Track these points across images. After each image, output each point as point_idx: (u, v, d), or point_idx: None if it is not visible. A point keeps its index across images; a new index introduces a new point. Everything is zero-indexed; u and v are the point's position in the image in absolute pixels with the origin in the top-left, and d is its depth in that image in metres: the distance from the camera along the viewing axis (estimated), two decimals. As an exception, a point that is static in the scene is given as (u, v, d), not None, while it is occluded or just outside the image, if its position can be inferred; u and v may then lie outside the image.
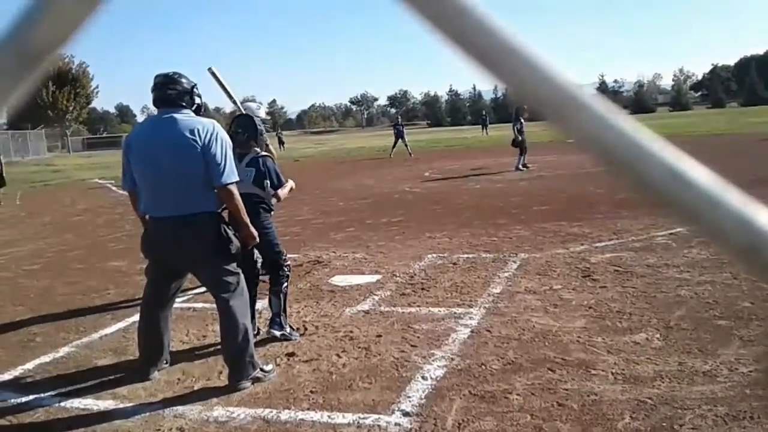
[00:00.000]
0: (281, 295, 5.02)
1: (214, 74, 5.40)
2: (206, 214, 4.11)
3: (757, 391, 3.56)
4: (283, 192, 5.17)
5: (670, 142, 0.38)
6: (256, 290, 5.03)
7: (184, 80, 4.25)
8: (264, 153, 5.21)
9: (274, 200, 5.13)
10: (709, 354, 4.13)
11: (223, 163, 4.05)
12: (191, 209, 4.06)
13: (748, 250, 0.36)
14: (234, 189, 4.15)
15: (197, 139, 4.00)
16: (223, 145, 4.09)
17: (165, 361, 4.43)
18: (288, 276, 5.13)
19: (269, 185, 5.05)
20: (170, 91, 4.16)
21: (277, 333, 4.92)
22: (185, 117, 4.12)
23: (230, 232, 4.18)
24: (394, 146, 29.40)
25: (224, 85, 5.49)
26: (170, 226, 4.10)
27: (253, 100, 6.73)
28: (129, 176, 4.26)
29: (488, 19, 0.37)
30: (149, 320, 4.37)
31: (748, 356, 4.04)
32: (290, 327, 5.03)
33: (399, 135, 29.47)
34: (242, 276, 4.31)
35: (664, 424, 3.27)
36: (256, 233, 4.35)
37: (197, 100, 4.31)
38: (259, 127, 5.24)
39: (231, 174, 4.12)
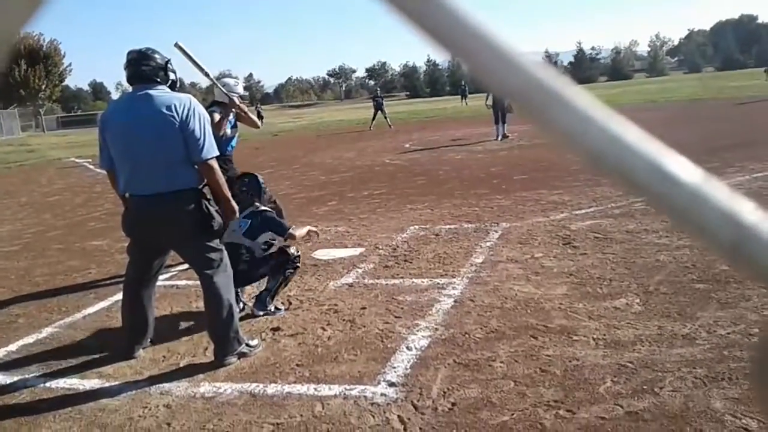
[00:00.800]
0: (280, 279, 5.00)
1: (181, 49, 5.30)
2: (187, 191, 4.06)
3: (735, 352, 3.63)
4: (300, 233, 5.07)
5: (654, 138, 0.38)
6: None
7: (157, 56, 4.18)
8: (263, 208, 5.13)
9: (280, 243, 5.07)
10: (688, 317, 4.20)
11: (202, 138, 4.00)
12: (171, 186, 4.01)
13: (734, 246, 0.36)
14: (214, 163, 4.10)
15: (174, 115, 3.94)
16: (201, 120, 4.04)
17: (149, 340, 4.42)
18: (293, 272, 5.12)
19: (269, 237, 5.01)
20: (144, 67, 4.09)
21: (260, 312, 4.93)
22: (161, 93, 4.06)
23: (212, 209, 4.15)
24: (373, 118, 29.32)
25: (194, 59, 5.40)
26: (151, 204, 4.05)
27: (230, 75, 6.63)
28: (106, 155, 4.19)
29: (457, 5, 0.36)
30: (133, 299, 4.34)
31: (726, 318, 4.12)
32: (275, 305, 5.04)
33: (378, 107, 29.41)
34: (225, 252, 4.29)
35: (644, 387, 3.34)
36: (236, 207, 4.34)
37: (172, 76, 4.24)
38: (261, 184, 5.26)
39: (211, 149, 4.07)
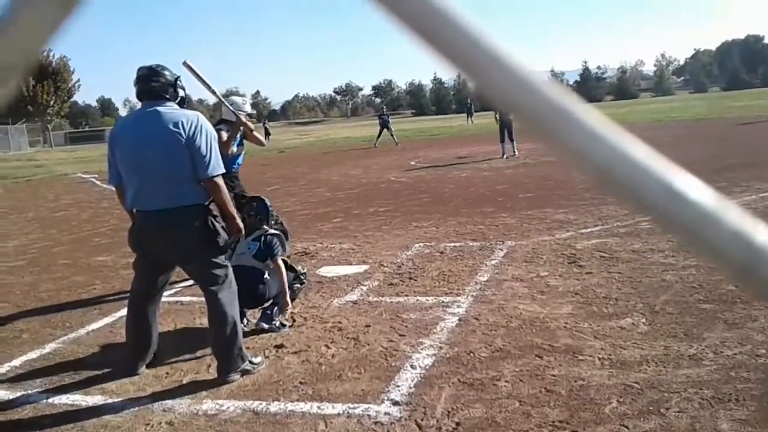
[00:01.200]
0: (286, 289, 5.00)
1: (190, 67, 5.35)
2: (193, 207, 4.08)
3: (741, 373, 3.60)
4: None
5: (659, 156, 0.37)
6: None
7: (167, 72, 4.22)
8: (272, 231, 5.20)
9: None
10: (695, 338, 4.17)
11: (208, 155, 4.03)
12: (178, 202, 4.04)
13: (746, 268, 0.35)
14: (220, 181, 4.13)
15: (181, 132, 3.97)
16: (207, 137, 4.07)
17: (153, 356, 4.40)
18: (299, 288, 5.25)
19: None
20: (153, 84, 4.13)
21: (266, 326, 4.93)
22: (169, 110, 4.09)
23: (218, 225, 4.16)
24: (379, 136, 29.41)
25: (202, 77, 5.45)
26: (157, 219, 4.07)
27: (238, 94, 6.66)
28: (114, 171, 4.23)
29: (466, 22, 0.35)
30: (137, 315, 4.34)
31: (732, 339, 4.09)
32: (281, 321, 5.03)
33: (384, 124, 29.53)
34: (230, 268, 4.29)
35: (650, 407, 3.31)
36: (242, 225, 4.35)
37: (181, 93, 4.28)
38: (269, 207, 5.32)
39: (216, 166, 4.09)
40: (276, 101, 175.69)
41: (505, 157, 17.93)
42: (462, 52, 0.36)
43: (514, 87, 0.36)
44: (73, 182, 22.10)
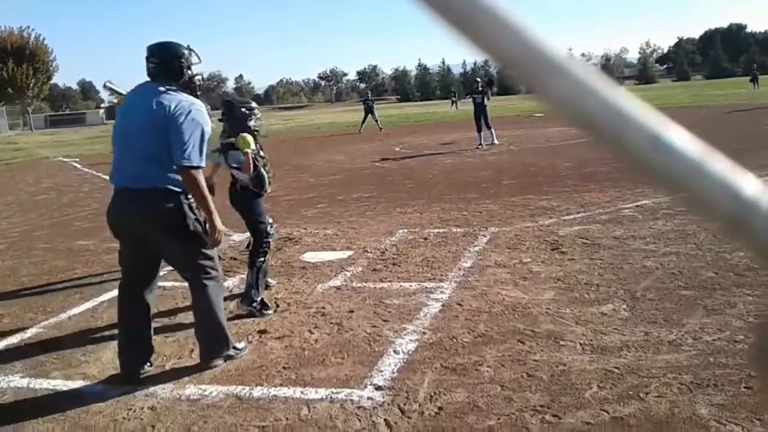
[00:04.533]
0: (254, 269, 5.04)
1: (112, 89, 5.28)
2: (167, 190, 3.89)
3: (720, 359, 3.65)
4: (235, 174, 5.17)
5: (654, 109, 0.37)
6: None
7: (171, 51, 4.07)
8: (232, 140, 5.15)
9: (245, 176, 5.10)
10: (674, 323, 4.22)
11: (188, 143, 3.83)
12: (152, 183, 3.87)
13: (734, 219, 0.35)
14: (198, 175, 3.89)
15: (166, 114, 3.83)
16: (192, 125, 3.87)
17: (150, 363, 4.11)
18: (265, 252, 5.14)
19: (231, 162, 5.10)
20: (150, 64, 4.04)
21: (244, 309, 4.93)
22: (163, 91, 3.94)
23: (192, 216, 3.93)
24: (363, 121, 29.33)
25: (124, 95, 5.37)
26: (130, 197, 3.92)
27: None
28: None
29: None
30: (129, 317, 4.11)
31: (712, 325, 4.14)
32: (262, 304, 5.03)
33: (369, 110, 29.44)
34: (217, 259, 4.20)
35: (630, 392, 3.35)
36: (221, 227, 4.03)
37: (187, 72, 4.09)
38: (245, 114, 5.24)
39: (194, 158, 3.87)
40: (259, 86, 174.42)
41: (482, 146, 17.48)
42: (455, 4, 0.35)
43: (506, 37, 0.35)
44: (53, 166, 21.85)
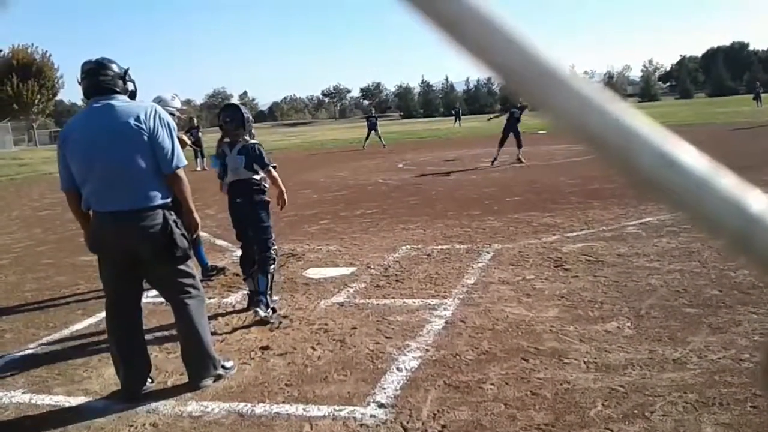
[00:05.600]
0: (268, 276, 5.20)
1: None
2: (151, 210, 3.83)
3: (726, 377, 3.63)
4: (273, 173, 5.33)
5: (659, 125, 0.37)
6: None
7: (114, 65, 3.99)
8: (253, 141, 5.33)
9: (268, 182, 5.35)
10: (679, 342, 4.19)
11: (170, 147, 3.84)
12: (136, 204, 3.80)
13: (741, 235, 0.34)
14: (182, 174, 3.95)
15: (142, 125, 3.76)
16: (169, 128, 3.88)
17: (151, 379, 4.09)
18: (274, 259, 5.33)
19: (259, 169, 5.25)
20: (102, 78, 3.89)
21: (261, 313, 5.06)
22: (123, 103, 3.89)
23: (178, 232, 3.91)
24: (367, 138, 29.42)
25: None
26: (114, 221, 3.83)
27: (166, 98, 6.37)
28: (66, 175, 3.95)
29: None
30: (121, 337, 4.03)
31: (716, 343, 4.11)
32: (274, 310, 5.21)
33: (372, 127, 29.51)
34: (197, 277, 4.18)
35: (635, 411, 3.32)
36: (199, 221, 4.23)
37: (130, 86, 4.09)
38: (246, 114, 5.36)
39: (180, 157, 3.92)
40: (263, 102, 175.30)
41: (496, 162, 17.18)
42: (456, 16, 0.35)
43: (508, 50, 0.35)
44: (57, 181, 21.84)
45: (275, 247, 5.36)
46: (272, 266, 5.26)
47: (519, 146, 17.16)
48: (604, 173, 10.81)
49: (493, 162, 17.33)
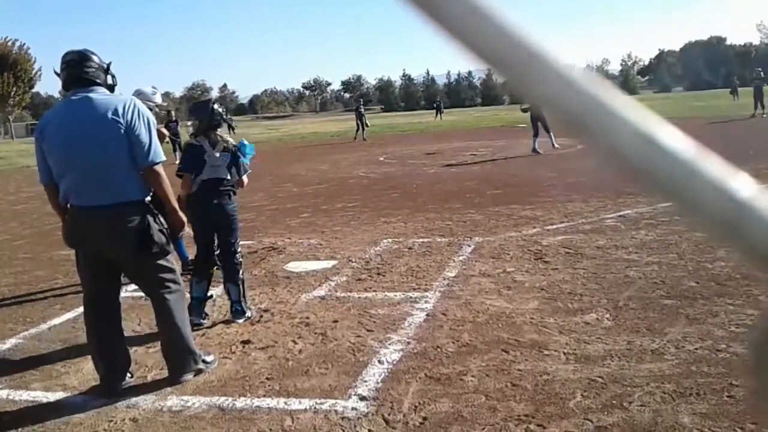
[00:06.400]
0: (240, 282, 5.07)
1: None
2: (130, 204, 3.79)
3: (702, 368, 3.68)
4: (245, 180, 5.22)
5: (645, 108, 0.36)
6: (210, 278, 5.10)
7: (96, 57, 3.92)
8: (234, 143, 5.21)
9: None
10: (657, 333, 4.24)
11: (148, 141, 3.77)
12: (114, 198, 3.75)
13: (729, 223, 0.33)
14: (161, 170, 3.85)
15: (120, 118, 3.70)
16: (147, 122, 3.81)
17: (130, 374, 4.05)
18: (241, 263, 5.21)
19: (236, 172, 5.10)
20: (87, 69, 3.83)
21: (240, 321, 4.97)
22: (102, 96, 3.82)
23: (156, 227, 3.85)
24: (358, 128, 29.47)
25: None
26: (91, 216, 3.78)
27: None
28: (44, 167, 3.87)
29: None
30: (100, 332, 4.00)
31: (694, 334, 4.17)
32: (250, 309, 5.16)
33: (359, 117, 29.58)
34: (178, 272, 4.13)
35: (614, 401, 3.36)
36: (185, 219, 4.12)
37: (110, 80, 4.01)
38: (217, 110, 5.21)
39: (158, 152, 3.83)
40: (244, 95, 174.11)
41: (537, 148, 16.91)
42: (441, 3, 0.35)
43: (491, 35, 0.35)
44: (34, 175, 21.58)
45: (240, 251, 5.21)
46: (241, 272, 5.10)
47: (547, 131, 17.01)
48: (583, 166, 10.88)
49: (553, 147, 17.10)
